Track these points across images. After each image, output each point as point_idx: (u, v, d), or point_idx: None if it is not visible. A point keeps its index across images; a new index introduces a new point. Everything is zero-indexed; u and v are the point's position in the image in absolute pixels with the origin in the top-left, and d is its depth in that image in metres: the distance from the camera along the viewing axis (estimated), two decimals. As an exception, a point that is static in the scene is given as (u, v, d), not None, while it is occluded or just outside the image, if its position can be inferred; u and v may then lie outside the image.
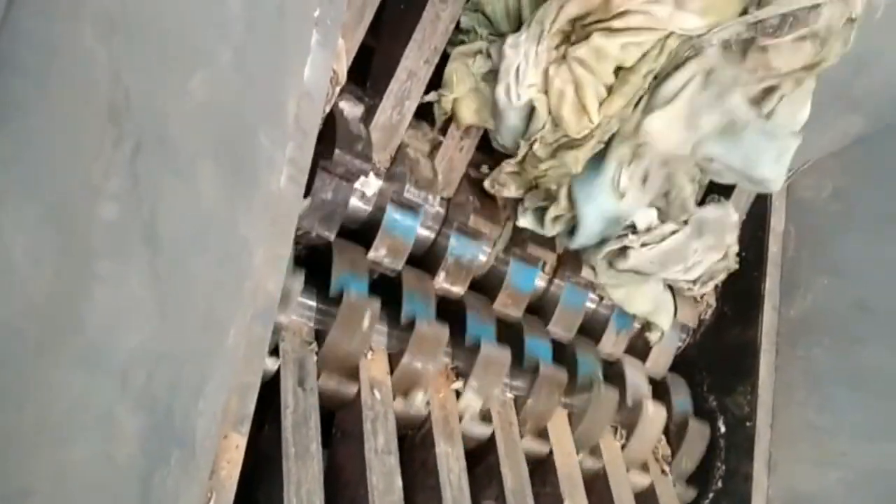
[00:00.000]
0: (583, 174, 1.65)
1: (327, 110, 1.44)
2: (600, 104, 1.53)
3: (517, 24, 1.60)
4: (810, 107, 1.61)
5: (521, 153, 1.65)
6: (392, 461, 1.40)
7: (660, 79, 1.57)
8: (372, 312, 1.47)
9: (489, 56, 1.61)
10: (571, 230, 1.75)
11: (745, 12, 1.50)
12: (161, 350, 0.81)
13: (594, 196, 1.67)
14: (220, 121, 0.88)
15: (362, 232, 1.64)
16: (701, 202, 1.84)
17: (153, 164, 0.77)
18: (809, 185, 2.05)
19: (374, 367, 1.53)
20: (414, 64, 1.60)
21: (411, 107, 1.63)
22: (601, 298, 1.96)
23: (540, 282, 1.89)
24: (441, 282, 1.71)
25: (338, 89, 1.40)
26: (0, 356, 0.66)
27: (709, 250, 1.82)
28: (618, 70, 1.52)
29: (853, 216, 1.96)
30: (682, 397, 2.04)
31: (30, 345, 0.67)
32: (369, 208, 1.62)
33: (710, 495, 1.97)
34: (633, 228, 1.72)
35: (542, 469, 1.72)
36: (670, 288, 2.00)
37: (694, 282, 1.92)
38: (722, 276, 1.95)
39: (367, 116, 1.59)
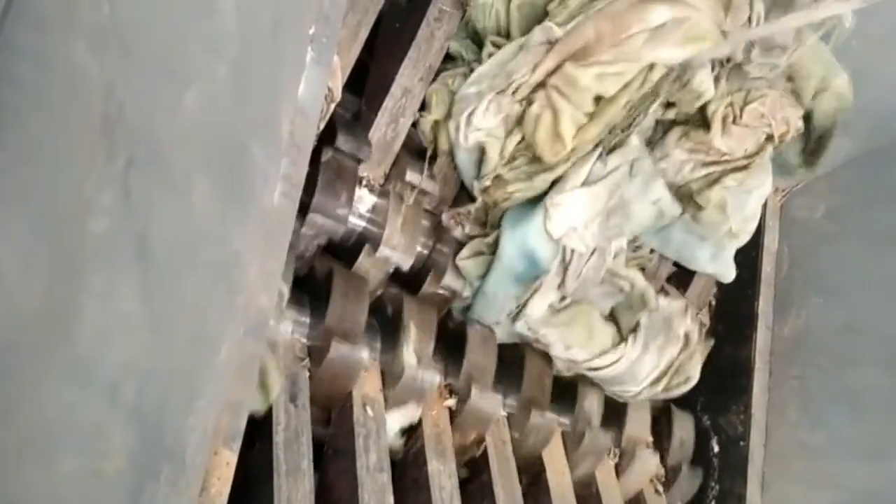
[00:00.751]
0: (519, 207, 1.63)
1: (321, 127, 1.45)
2: (577, 130, 1.53)
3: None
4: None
5: (477, 195, 1.65)
6: (384, 478, 1.39)
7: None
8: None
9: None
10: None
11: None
12: (152, 365, 0.80)
13: (523, 224, 1.61)
14: (213, 136, 0.88)
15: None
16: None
17: (146, 178, 0.77)
18: (802, 205, 2.06)
19: (367, 384, 1.52)
20: (409, 81, 1.61)
21: (406, 124, 1.64)
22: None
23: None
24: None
25: (332, 106, 1.41)
26: (-11, 369, 0.66)
27: (662, 350, 1.76)
28: (599, 99, 1.52)
29: (846, 236, 1.96)
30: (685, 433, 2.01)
31: (19, 358, 0.66)
32: (363, 224, 1.63)
33: (704, 515, 1.96)
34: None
35: (535, 488, 1.71)
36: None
37: (656, 381, 1.80)
38: (699, 358, 1.87)
39: (362, 133, 1.60)
